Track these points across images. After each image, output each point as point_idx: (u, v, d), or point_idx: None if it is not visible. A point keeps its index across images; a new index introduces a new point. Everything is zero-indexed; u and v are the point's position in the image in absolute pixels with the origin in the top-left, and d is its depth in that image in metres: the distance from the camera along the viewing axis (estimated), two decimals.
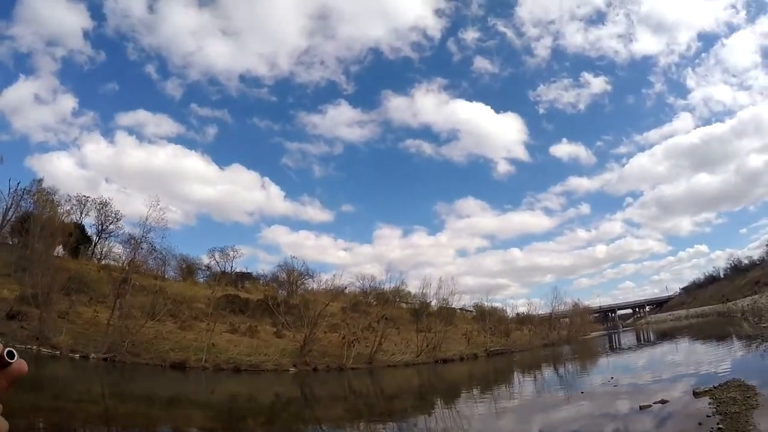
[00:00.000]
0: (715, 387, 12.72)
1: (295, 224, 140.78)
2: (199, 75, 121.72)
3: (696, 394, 12.51)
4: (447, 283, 55.89)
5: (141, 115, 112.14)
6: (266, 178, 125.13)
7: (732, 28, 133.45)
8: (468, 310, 66.46)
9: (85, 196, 51.45)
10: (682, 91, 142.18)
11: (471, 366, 40.30)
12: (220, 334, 35.71)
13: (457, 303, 59.14)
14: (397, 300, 56.95)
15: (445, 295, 55.60)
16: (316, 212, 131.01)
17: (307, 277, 55.47)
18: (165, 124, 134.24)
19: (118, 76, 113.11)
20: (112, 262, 47.00)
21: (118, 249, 49.36)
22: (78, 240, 44.42)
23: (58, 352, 26.33)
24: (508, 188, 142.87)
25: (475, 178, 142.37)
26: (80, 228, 47.69)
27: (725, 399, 10.97)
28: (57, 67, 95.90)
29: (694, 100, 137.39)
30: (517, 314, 71.41)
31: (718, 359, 20.09)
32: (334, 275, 59.48)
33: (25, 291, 30.47)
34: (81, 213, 50.34)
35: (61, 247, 38.66)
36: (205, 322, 35.22)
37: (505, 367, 35.64)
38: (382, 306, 49.62)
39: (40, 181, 45.93)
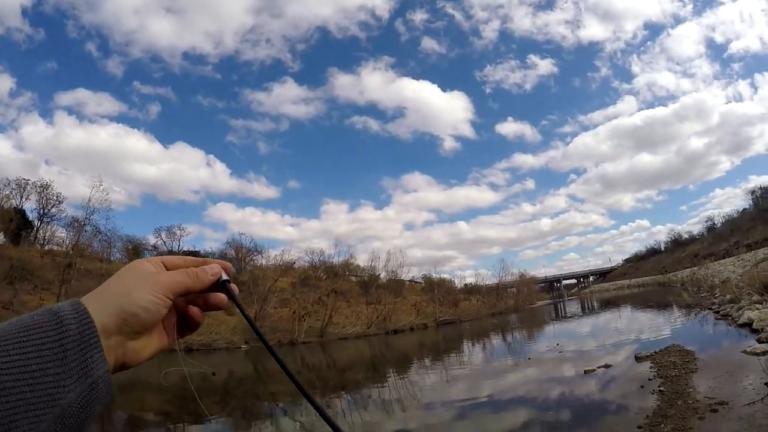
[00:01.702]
0: (656, 352, 13.38)
1: (242, 201, 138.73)
2: (141, 53, 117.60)
3: (638, 359, 13.13)
4: (395, 255, 56.76)
5: (81, 94, 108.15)
6: (211, 156, 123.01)
7: (678, 20, 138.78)
8: (417, 282, 67.37)
9: (24, 179, 49.13)
10: (627, 76, 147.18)
11: (421, 336, 40.97)
12: None
13: (405, 275, 60.03)
14: (347, 273, 57.21)
15: (394, 268, 56.33)
16: (262, 189, 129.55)
17: (255, 254, 54.93)
18: (106, 103, 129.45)
19: (58, 55, 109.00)
20: (55, 247, 45.51)
21: (61, 233, 47.63)
22: (19, 226, 42.45)
23: None
24: (454, 164, 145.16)
25: (422, 154, 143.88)
26: (21, 213, 45.59)
27: (666, 363, 11.57)
28: None
29: (639, 85, 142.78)
30: (465, 285, 72.78)
31: (658, 326, 21.08)
32: (282, 251, 59.29)
33: None
34: (21, 197, 48.08)
35: (1, 234, 36.89)
36: None
37: (455, 336, 36.37)
38: (332, 280, 49.82)
39: None
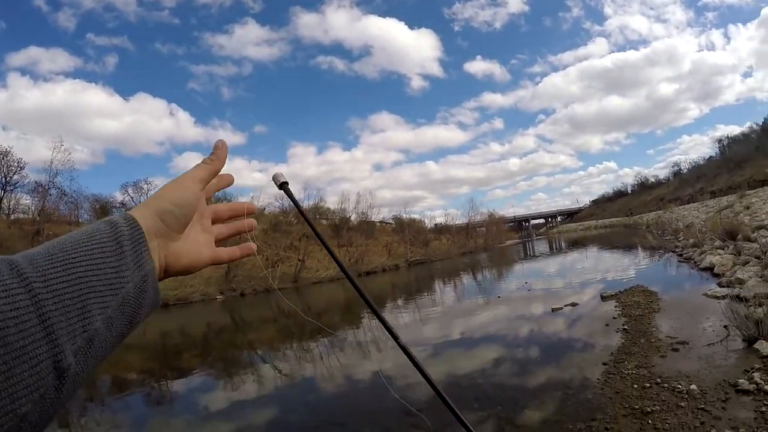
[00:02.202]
0: (620, 292, 13.80)
1: (207, 149, 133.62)
2: (93, 2, 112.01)
3: (603, 298, 13.54)
4: (365, 197, 56.80)
5: (33, 52, 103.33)
6: (174, 105, 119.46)
7: None
8: (387, 223, 67.77)
9: None
10: (599, 17, 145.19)
11: (393, 277, 41.54)
12: None
13: (376, 216, 60.29)
14: (317, 217, 57.16)
15: (364, 209, 56.49)
16: (227, 135, 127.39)
17: (224, 201, 54.32)
18: (60, 59, 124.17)
19: (5, 14, 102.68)
20: (21, 215, 43.82)
21: (26, 200, 45.88)
22: None
23: None
24: (423, 103, 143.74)
25: (389, 93, 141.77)
26: None
27: (630, 303, 11.96)
28: None
29: (611, 27, 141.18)
30: (435, 225, 73.53)
31: (624, 267, 21.64)
32: (252, 197, 58.59)
33: None
34: None
35: None
36: None
37: (426, 276, 36.97)
38: (303, 224, 49.71)
39: None
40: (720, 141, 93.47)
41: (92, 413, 9.31)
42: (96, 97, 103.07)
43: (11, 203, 48.78)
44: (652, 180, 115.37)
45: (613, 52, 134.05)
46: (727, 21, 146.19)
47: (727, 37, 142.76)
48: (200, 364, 13.47)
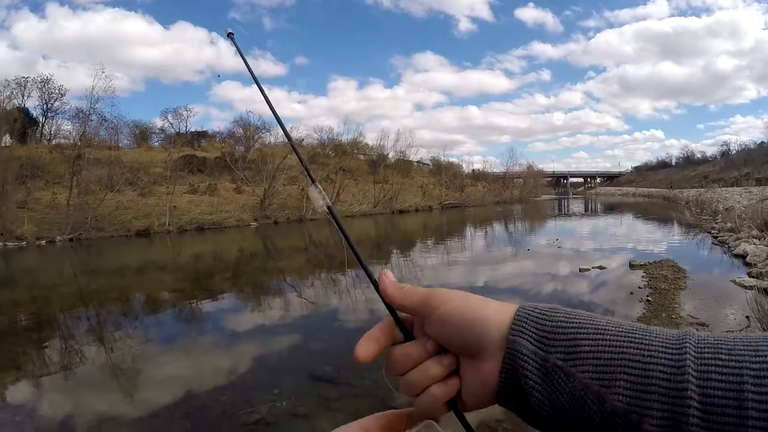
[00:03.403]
0: (649, 263, 13.70)
1: (247, 79, 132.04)
2: None
3: (632, 266, 13.51)
4: (404, 135, 56.47)
5: None
6: (214, 34, 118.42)
7: None
8: (424, 164, 67.51)
9: (23, 77, 47.89)
10: None
11: (426, 218, 41.81)
12: (181, 195, 35.89)
13: (414, 156, 60.11)
14: (355, 152, 57.20)
15: (403, 148, 56.28)
16: (268, 66, 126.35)
17: (263, 131, 54.49)
18: None
19: None
20: (63, 141, 44.82)
21: (67, 126, 47.03)
22: (24, 124, 41.72)
23: (24, 243, 26.21)
24: (469, 46, 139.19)
25: (435, 33, 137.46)
26: (24, 111, 44.85)
27: (657, 275, 11.93)
28: None
29: None
30: (473, 170, 73.07)
31: (657, 239, 21.32)
32: (291, 128, 58.69)
33: None
34: (23, 96, 47.11)
35: (7, 135, 36.53)
36: (165, 185, 35.10)
37: (458, 221, 37.11)
38: (340, 157, 50.09)
39: None
40: None
41: (125, 327, 9.88)
42: (135, 26, 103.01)
43: (53, 129, 50.25)
44: (699, 156, 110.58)
45: (673, 15, 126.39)
46: None
47: None
48: (230, 287, 14.03)
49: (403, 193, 49.49)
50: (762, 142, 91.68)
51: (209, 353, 7.83)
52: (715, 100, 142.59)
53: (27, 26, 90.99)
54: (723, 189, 52.91)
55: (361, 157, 58.64)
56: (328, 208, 0.93)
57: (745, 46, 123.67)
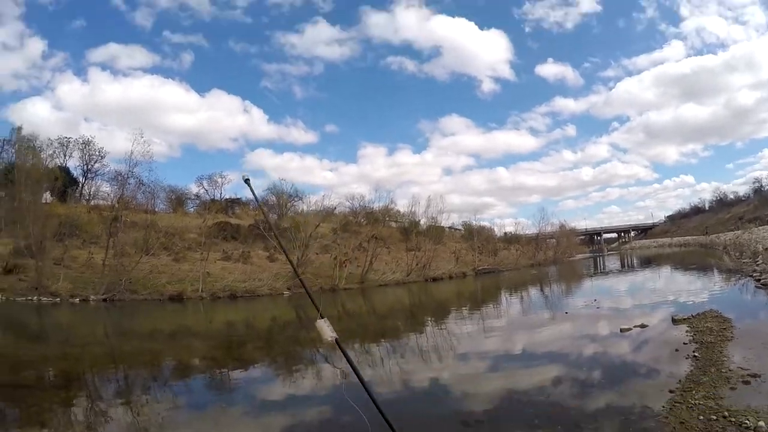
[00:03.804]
0: (693, 316, 13.27)
1: (280, 147, 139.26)
2: (168, 2, 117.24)
3: (675, 322, 13.06)
4: (435, 201, 56.35)
5: (112, 49, 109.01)
6: (248, 102, 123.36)
7: None
8: (456, 229, 67.38)
9: (66, 137, 50.76)
10: (675, 19, 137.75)
11: (460, 284, 41.26)
12: (214, 262, 36.30)
13: (445, 221, 59.86)
14: (387, 219, 57.40)
15: (434, 214, 56.20)
16: (299, 133, 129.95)
17: (296, 199, 55.32)
18: (138, 55, 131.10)
19: (85, 12, 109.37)
20: (101, 202, 46.77)
21: (105, 188, 49.17)
22: (65, 183, 43.87)
23: (59, 299, 26.78)
24: (493, 106, 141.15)
25: (459, 95, 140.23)
26: (65, 171, 47.18)
27: (702, 328, 11.49)
28: (21, 11, 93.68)
29: (687, 29, 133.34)
30: (505, 233, 72.47)
31: (697, 289, 20.73)
32: (323, 196, 59.71)
33: (18, 243, 30.53)
34: (64, 155, 50.09)
35: (48, 193, 38.17)
36: (199, 251, 35.76)
37: (493, 286, 36.54)
38: (372, 225, 50.05)
39: (19, 129, 45.41)
40: None
41: (154, 393, 9.79)
42: (173, 93, 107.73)
43: (92, 189, 52.34)
44: (731, 196, 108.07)
45: (689, 56, 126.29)
46: None
47: None
48: (262, 357, 13.92)
49: (436, 259, 49.07)
50: None
51: (238, 424, 7.68)
52: (741, 136, 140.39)
53: (70, 89, 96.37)
54: (760, 228, 51.29)
55: (393, 224, 58.81)
56: (336, 340, 0.98)
57: (765, 77, 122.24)
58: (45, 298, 26.57)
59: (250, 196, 64.81)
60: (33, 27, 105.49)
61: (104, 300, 28.09)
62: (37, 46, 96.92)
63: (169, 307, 27.63)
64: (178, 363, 13.19)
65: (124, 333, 18.37)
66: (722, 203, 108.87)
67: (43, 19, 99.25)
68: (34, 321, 21.64)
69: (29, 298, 26.51)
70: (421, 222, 56.80)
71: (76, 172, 51.39)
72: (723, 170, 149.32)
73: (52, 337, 16.17)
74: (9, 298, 26.47)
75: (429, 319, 21.49)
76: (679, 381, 8.02)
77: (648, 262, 50.92)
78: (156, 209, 49.08)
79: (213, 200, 58.60)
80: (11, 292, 26.82)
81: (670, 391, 7.54)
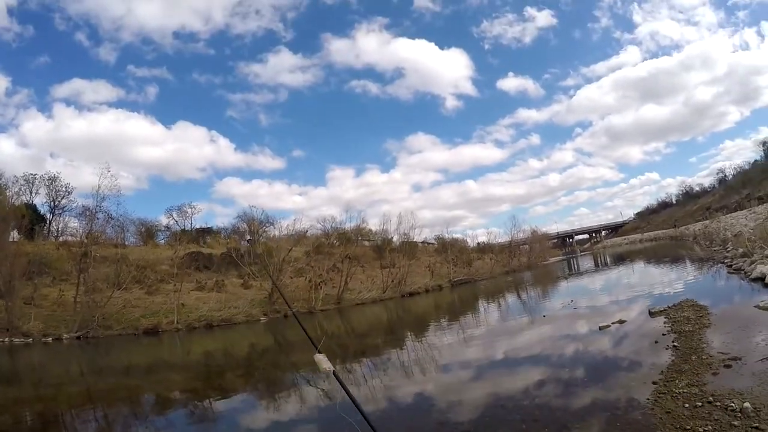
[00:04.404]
0: (669, 307, 13.45)
1: (248, 174, 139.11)
2: (131, 36, 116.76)
3: (652, 314, 13.22)
4: (406, 218, 56.46)
5: (77, 84, 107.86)
6: (214, 132, 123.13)
7: None
8: (429, 243, 67.52)
9: (32, 174, 49.69)
10: (629, 25, 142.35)
11: (437, 297, 41.27)
12: (188, 293, 35.66)
13: (418, 237, 59.92)
14: (359, 239, 57.29)
15: (406, 230, 56.19)
16: (267, 160, 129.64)
17: (267, 225, 54.82)
18: (103, 90, 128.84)
19: (49, 48, 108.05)
20: (70, 238, 45.27)
21: (74, 223, 47.63)
22: (32, 221, 42.79)
23: (31, 339, 26.08)
24: (458, 122, 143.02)
25: (424, 114, 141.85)
26: (32, 208, 46.09)
27: (679, 318, 11.64)
28: None
29: (641, 35, 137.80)
30: (478, 244, 73.13)
31: (671, 281, 21.13)
32: (294, 220, 59.40)
33: None
34: (31, 192, 48.88)
35: (15, 231, 37.18)
36: (172, 283, 35.01)
37: (470, 296, 36.67)
38: (345, 246, 49.86)
39: None
40: (764, 144, 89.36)
41: (134, 429, 9.50)
42: (139, 126, 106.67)
43: (60, 226, 51.09)
44: (697, 189, 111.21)
45: (645, 59, 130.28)
46: (759, 18, 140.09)
47: (761, 35, 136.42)
48: (243, 384, 13.67)
49: (411, 275, 49.00)
50: (756, 161, 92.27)
51: None
52: (701, 131, 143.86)
53: (35, 125, 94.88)
54: (727, 216, 52.68)
55: (366, 243, 58.70)
56: (333, 372, 0.94)
57: (720, 72, 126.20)
58: (16, 339, 25.77)
59: (220, 224, 64.22)
60: None
61: (78, 338, 27.34)
62: (0, 83, 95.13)
63: (145, 341, 26.98)
64: (158, 397, 12.85)
65: (99, 370, 17.86)
66: (689, 196, 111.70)
67: (6, 55, 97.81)
68: (6, 363, 20.95)
69: (0, 339, 25.68)
70: (394, 239, 56.90)
71: (43, 209, 50.07)
72: (687, 165, 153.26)
73: (25, 379, 15.65)
74: None
75: (408, 333, 21.42)
76: (662, 372, 8.07)
77: (621, 258, 51.87)
78: (126, 243, 48.24)
79: (183, 231, 57.66)
80: None
81: (654, 383, 7.57)
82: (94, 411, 11.33)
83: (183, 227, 60.10)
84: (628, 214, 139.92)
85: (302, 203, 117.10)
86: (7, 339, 25.42)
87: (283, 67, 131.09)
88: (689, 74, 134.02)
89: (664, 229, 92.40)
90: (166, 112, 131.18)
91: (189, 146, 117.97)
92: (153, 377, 15.93)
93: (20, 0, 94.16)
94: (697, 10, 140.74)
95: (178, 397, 12.73)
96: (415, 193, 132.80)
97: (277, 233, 52.29)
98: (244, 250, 46.33)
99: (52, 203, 50.57)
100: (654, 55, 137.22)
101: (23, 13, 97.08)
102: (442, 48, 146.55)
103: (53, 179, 50.27)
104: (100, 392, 13.47)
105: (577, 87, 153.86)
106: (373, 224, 64.76)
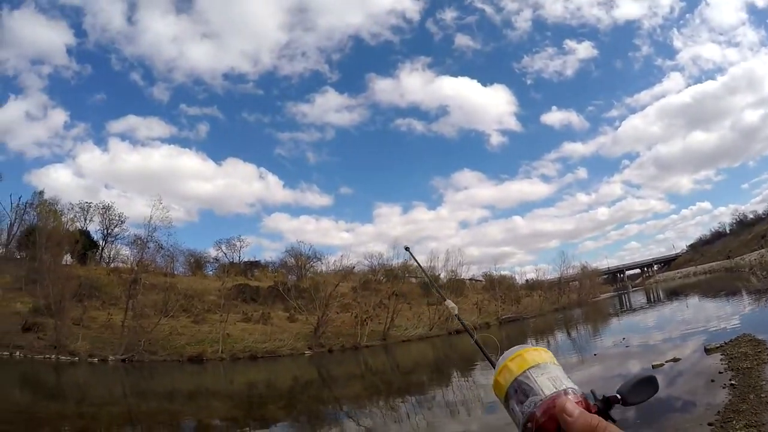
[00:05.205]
0: (726, 343, 12.77)
1: (296, 210, 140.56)
2: (183, 77, 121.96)
3: (707, 351, 12.57)
4: (454, 254, 56.06)
5: (131, 120, 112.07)
6: (263, 169, 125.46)
7: None
8: (477, 280, 66.57)
9: (87, 202, 52.09)
10: (670, 51, 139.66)
11: (484, 335, 40.45)
12: (234, 324, 36.05)
13: (465, 274, 59.34)
14: (406, 275, 56.93)
15: (454, 267, 55.82)
16: (315, 197, 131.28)
17: (314, 260, 55.40)
18: (156, 126, 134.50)
19: (105, 87, 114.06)
20: (120, 265, 47.51)
21: (125, 251, 50.01)
22: (85, 246, 44.59)
23: (77, 358, 26.77)
24: (503, 158, 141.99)
25: (469, 151, 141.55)
26: (86, 234, 47.96)
27: (736, 354, 11.02)
28: (45, 84, 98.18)
29: (683, 60, 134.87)
30: (526, 281, 71.61)
31: (727, 315, 20.16)
32: (341, 256, 59.63)
33: (38, 302, 30.93)
34: (85, 219, 51.06)
35: (68, 255, 38.79)
36: (218, 313, 35.59)
37: (518, 334, 35.84)
38: (392, 282, 49.67)
39: (41, 193, 46.95)
40: None
41: None
42: (190, 161, 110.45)
43: (111, 253, 53.11)
44: (751, 216, 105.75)
45: (689, 85, 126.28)
46: None
47: None
48: (284, 416, 13.58)
49: (459, 312, 48.22)
50: None
51: None
52: (752, 155, 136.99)
53: (91, 157, 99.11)
54: None
55: (413, 280, 58.27)
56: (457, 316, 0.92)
57: (766, 93, 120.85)
58: (63, 357, 26.55)
59: (269, 258, 65.41)
60: (56, 99, 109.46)
61: (123, 360, 27.91)
62: (59, 116, 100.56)
63: (189, 369, 27.35)
64: (199, 423, 12.91)
65: (142, 393, 18.14)
66: (743, 224, 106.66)
67: (65, 91, 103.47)
68: (52, 379, 21.55)
69: (47, 356, 26.48)
70: (441, 276, 56.38)
71: (97, 236, 52.13)
72: (739, 191, 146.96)
73: (69, 396, 16.02)
74: (27, 356, 26.43)
75: (454, 371, 21.02)
76: (718, 412, 7.61)
77: (674, 293, 50.00)
78: (175, 272, 49.57)
79: (232, 263, 58.94)
80: (29, 349, 26.80)
81: (709, 424, 7.15)
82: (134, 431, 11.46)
83: (231, 260, 61.46)
84: (681, 246, 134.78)
85: (349, 239, 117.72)
86: (54, 356, 26.22)
87: (330, 107, 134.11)
88: (735, 97, 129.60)
89: (719, 261, 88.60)
90: (216, 149, 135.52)
91: (238, 182, 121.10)
92: (195, 404, 16.04)
93: (78, 41, 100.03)
94: (738, 30, 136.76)
95: (219, 424, 12.77)
96: (462, 229, 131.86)
97: (324, 268, 52.74)
98: (290, 284, 46.77)
99: (105, 231, 52.78)
100: (697, 80, 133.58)
101: (81, 53, 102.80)
102: (484, 85, 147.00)
103: (107, 208, 52.56)
104: (142, 414, 13.63)
105: (622, 117, 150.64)
106: (421, 261, 63.97)
